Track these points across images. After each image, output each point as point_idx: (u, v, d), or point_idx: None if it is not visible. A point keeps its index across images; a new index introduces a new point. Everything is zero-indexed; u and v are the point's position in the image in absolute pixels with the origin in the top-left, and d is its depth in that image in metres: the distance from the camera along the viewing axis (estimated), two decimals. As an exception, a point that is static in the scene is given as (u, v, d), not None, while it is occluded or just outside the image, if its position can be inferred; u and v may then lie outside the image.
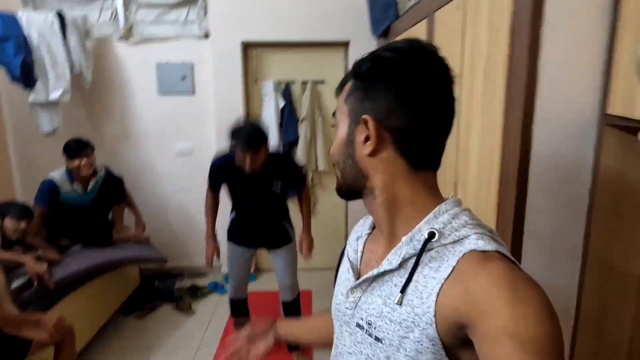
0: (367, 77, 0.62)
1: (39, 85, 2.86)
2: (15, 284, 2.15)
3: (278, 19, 3.25)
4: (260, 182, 2.18)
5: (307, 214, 2.43)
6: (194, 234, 3.63)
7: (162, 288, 3.32)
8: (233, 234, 2.36)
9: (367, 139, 0.61)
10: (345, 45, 3.39)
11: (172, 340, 2.75)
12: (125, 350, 2.65)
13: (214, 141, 3.40)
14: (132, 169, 3.44)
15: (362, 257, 0.72)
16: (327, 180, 3.63)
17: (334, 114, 0.69)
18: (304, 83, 3.42)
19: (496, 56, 1.26)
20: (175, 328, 2.89)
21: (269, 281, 2.51)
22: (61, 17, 2.92)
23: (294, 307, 2.45)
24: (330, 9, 3.24)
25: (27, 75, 2.79)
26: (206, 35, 3.34)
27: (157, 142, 3.48)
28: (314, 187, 3.62)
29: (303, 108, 3.42)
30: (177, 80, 3.37)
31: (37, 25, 2.81)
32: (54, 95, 2.89)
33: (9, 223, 2.27)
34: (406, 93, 0.59)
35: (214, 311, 3.10)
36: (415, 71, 0.60)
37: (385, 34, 2.82)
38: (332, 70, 3.47)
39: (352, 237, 0.78)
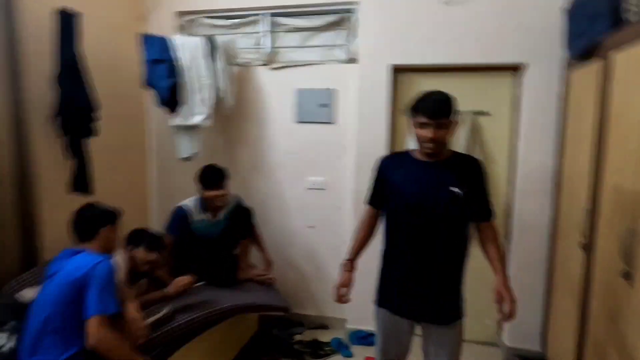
0: None
1: (183, 109, 2.78)
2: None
3: (434, 40, 2.79)
4: (438, 180, 1.63)
5: (498, 254, 1.68)
6: (318, 279, 3.22)
7: (282, 337, 2.94)
8: (384, 295, 1.81)
9: None
10: (513, 69, 2.78)
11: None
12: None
13: (352, 177, 3.00)
14: (261, 201, 3.20)
15: None
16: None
17: None
18: (461, 114, 2.87)
19: None
20: (294, 393, 2.45)
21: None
22: (212, 42, 2.85)
23: None
24: (500, 25, 2.68)
25: (173, 99, 2.73)
26: (351, 60, 3.03)
27: (290, 173, 3.20)
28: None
29: (459, 142, 2.85)
30: (317, 108, 3.09)
31: (189, 48, 2.76)
32: (196, 119, 2.79)
33: (140, 254, 2.09)
34: None
35: (337, 378, 2.60)
36: None
37: (587, 50, 2.16)
38: (496, 100, 2.86)
39: None
